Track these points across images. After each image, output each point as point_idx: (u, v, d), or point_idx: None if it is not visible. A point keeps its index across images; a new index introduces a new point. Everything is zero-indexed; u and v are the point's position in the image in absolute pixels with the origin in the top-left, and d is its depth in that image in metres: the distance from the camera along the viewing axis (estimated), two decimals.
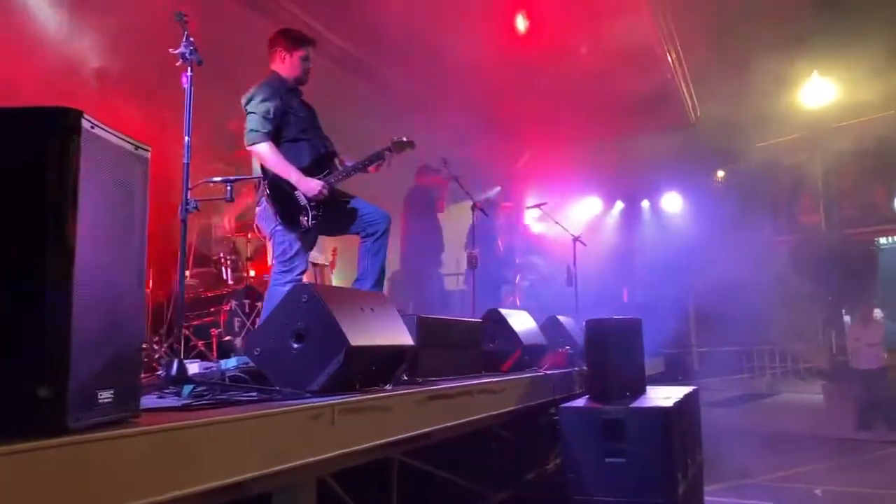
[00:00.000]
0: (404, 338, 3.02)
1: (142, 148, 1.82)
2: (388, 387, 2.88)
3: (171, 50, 2.59)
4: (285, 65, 4.01)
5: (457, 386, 3.27)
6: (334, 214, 3.98)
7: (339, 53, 8.38)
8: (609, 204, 12.35)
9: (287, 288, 3.76)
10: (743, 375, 12.76)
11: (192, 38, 2.61)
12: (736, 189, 11.68)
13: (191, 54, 2.57)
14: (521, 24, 8.66)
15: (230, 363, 2.94)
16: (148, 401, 2.37)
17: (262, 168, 3.81)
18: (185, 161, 2.50)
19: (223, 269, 5.75)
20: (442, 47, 8.36)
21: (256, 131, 3.74)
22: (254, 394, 2.50)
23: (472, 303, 5.69)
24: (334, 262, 8.29)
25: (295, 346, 2.59)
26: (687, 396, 4.89)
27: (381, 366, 2.89)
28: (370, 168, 4.05)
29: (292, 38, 4.03)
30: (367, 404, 2.55)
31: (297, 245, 3.87)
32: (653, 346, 9.06)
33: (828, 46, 9.31)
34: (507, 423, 4.34)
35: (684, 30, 8.68)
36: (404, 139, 4.07)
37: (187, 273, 5.52)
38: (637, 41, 8.11)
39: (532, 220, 9.81)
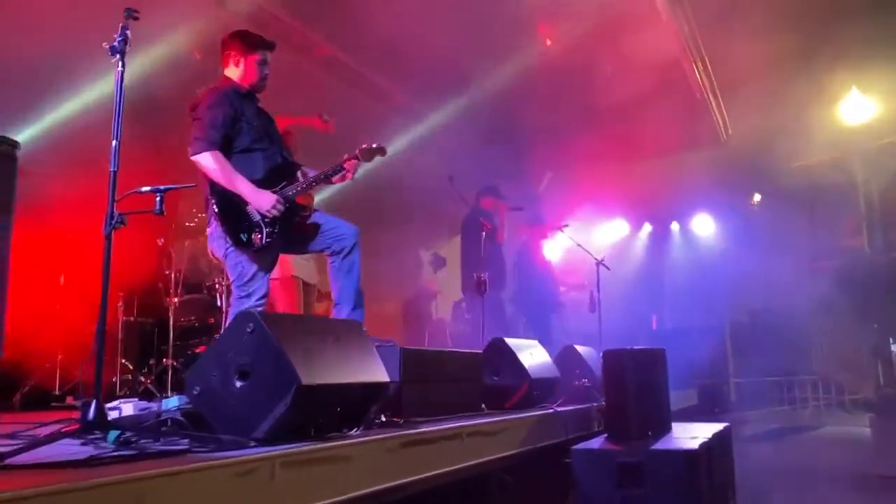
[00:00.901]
0: (378, 373, 2.62)
1: (5, 142, 1.46)
2: (355, 431, 2.49)
3: (104, 44, 2.27)
4: (239, 69, 3.69)
5: (442, 428, 2.86)
6: (294, 230, 3.62)
7: (360, 79, 8.17)
8: (636, 226, 11.85)
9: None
10: (784, 407, 12.06)
11: (128, 32, 2.28)
12: (772, 210, 11.11)
13: (121, 46, 2.25)
14: (547, 38, 8.38)
15: (171, 403, 2.58)
16: (58, 449, 2.01)
17: (211, 183, 3.47)
18: (112, 168, 2.16)
19: (217, 295, 5.42)
20: (464, 67, 8.13)
21: (201, 140, 3.41)
22: (186, 442, 2.12)
23: (481, 331, 5.26)
24: None
25: (238, 384, 2.21)
26: (717, 435, 4.40)
27: (350, 407, 2.50)
28: (334, 179, 3.70)
29: (246, 41, 3.69)
30: (320, 454, 2.16)
31: (253, 267, 3.51)
32: (685, 376, 8.54)
33: (866, 60, 8.82)
34: (512, 467, 3.90)
35: (712, 45, 8.28)
36: (374, 146, 3.73)
37: (175, 300, 5.22)
38: (662, 57, 7.72)
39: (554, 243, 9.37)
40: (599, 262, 7.41)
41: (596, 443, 4.04)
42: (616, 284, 9.09)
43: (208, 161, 3.42)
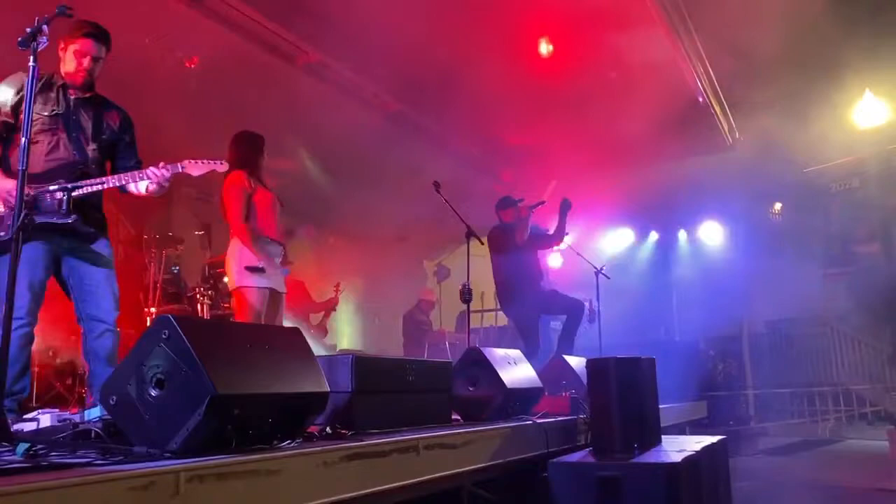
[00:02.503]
0: (315, 383, 2.48)
1: None
2: (289, 444, 2.36)
3: (18, 39, 2.19)
4: (61, 57, 3.50)
5: (393, 440, 2.71)
6: (73, 246, 3.38)
7: (357, 90, 8.13)
8: (642, 235, 11.65)
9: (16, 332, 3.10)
10: (804, 419, 11.74)
11: (45, 27, 2.20)
12: (784, 216, 10.86)
13: (29, 41, 2.16)
14: (545, 48, 8.28)
15: (93, 413, 2.47)
16: None
17: None
18: (21, 167, 2.07)
19: (199, 305, 5.32)
20: (464, 75, 8.05)
21: None
22: (92, 454, 2.01)
23: (467, 341, 5.12)
24: (337, 298, 7.88)
25: (153, 394, 2.10)
26: (707, 448, 4.22)
27: (284, 418, 2.37)
28: (133, 189, 3.50)
29: (70, 28, 3.44)
30: (237, 468, 2.02)
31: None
32: (695, 387, 8.31)
33: (879, 63, 8.60)
34: (488, 481, 3.75)
35: (716, 49, 8.11)
36: (206, 161, 3.56)
37: (153, 310, 5.14)
38: (660, 60, 7.57)
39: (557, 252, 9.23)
40: (599, 271, 7.26)
41: (575, 456, 3.88)
42: (622, 294, 8.90)
43: None
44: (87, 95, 3.63)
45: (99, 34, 3.51)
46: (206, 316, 5.33)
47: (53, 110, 3.46)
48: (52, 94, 3.50)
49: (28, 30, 2.18)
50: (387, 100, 8.42)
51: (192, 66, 6.83)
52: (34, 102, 3.13)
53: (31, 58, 2.19)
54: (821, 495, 6.82)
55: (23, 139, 2.08)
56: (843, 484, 7.77)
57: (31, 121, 2.14)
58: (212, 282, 5.59)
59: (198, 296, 5.35)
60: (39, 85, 3.40)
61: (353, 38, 7.12)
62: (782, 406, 11.03)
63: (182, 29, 6.37)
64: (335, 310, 7.88)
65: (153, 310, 5.22)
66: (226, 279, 5.63)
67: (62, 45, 3.51)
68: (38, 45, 2.19)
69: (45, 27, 2.21)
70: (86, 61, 3.51)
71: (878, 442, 10.18)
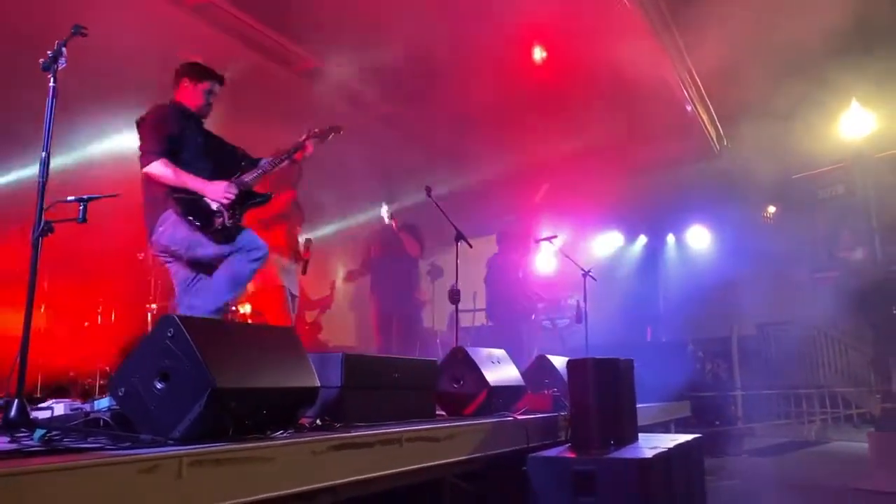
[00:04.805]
0: (306, 378, 2.69)
1: None
2: (281, 434, 2.56)
3: (39, 60, 2.39)
4: (188, 94, 4.06)
5: (377, 433, 2.92)
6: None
7: (351, 94, 8.30)
8: (631, 238, 11.87)
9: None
10: (790, 421, 11.95)
11: (64, 49, 2.41)
12: (772, 222, 11.09)
13: (50, 63, 2.37)
14: (538, 55, 8.46)
15: (102, 404, 2.68)
16: None
17: (167, 189, 3.77)
18: (41, 180, 2.27)
19: None
20: (457, 79, 8.23)
21: (150, 152, 3.75)
22: (103, 440, 2.22)
23: (455, 340, 5.33)
24: (332, 296, 8.05)
25: (158, 386, 2.31)
26: (681, 446, 4.42)
27: (277, 410, 2.58)
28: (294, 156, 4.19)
29: (198, 71, 4.09)
30: (234, 454, 2.23)
31: (210, 246, 3.84)
32: (681, 388, 8.54)
33: (866, 73, 8.81)
34: (470, 474, 3.95)
35: (705, 58, 8.30)
36: (327, 127, 4.25)
37: (154, 306, 5.33)
38: (649, 69, 7.78)
39: (547, 255, 9.42)
40: (586, 274, 7.46)
41: (553, 451, 4.09)
42: (610, 296, 9.12)
43: (159, 169, 3.74)
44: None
45: (222, 78, 4.18)
46: None
47: (201, 139, 4.08)
48: (193, 123, 4.10)
49: (49, 53, 2.39)
50: (379, 103, 8.60)
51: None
52: (186, 129, 3.89)
53: (52, 79, 2.40)
54: (798, 494, 7.04)
55: (42, 153, 2.28)
56: (822, 484, 7.99)
57: (50, 137, 2.32)
58: None
59: None
60: (185, 115, 4.04)
61: (347, 44, 7.31)
62: (769, 407, 11.22)
63: (181, 35, 6.55)
64: (330, 307, 8.08)
65: (154, 306, 5.42)
66: None
67: (187, 84, 4.07)
68: (58, 66, 2.39)
69: (63, 49, 2.42)
70: (210, 98, 4.13)
71: (861, 444, 10.38)
